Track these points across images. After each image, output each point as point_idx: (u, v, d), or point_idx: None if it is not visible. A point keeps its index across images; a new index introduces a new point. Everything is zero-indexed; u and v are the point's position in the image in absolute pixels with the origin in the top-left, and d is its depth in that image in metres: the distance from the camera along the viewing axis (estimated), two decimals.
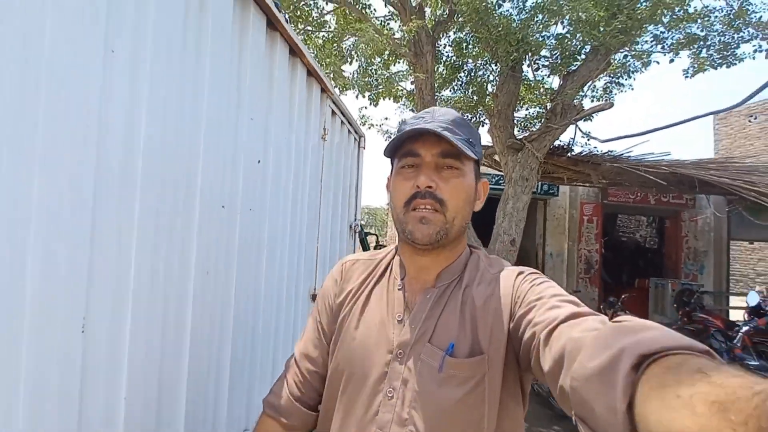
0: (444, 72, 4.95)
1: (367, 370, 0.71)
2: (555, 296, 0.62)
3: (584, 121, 4.77)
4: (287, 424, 0.79)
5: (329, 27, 4.24)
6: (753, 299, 4.00)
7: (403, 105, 5.41)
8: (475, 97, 4.95)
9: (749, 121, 12.55)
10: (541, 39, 3.88)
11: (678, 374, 0.34)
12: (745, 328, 3.84)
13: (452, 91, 5.18)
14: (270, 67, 1.40)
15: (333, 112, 2.10)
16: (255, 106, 1.29)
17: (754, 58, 4.60)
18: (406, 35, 3.51)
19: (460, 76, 4.98)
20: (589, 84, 4.36)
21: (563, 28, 4.05)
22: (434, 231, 0.70)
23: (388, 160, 0.81)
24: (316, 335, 0.83)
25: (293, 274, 1.64)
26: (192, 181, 0.99)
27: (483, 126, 5.36)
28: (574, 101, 4.05)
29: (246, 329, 1.28)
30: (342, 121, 2.31)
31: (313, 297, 1.86)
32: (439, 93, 5.06)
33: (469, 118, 5.25)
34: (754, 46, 4.27)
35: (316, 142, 1.86)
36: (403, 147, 0.74)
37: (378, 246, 3.64)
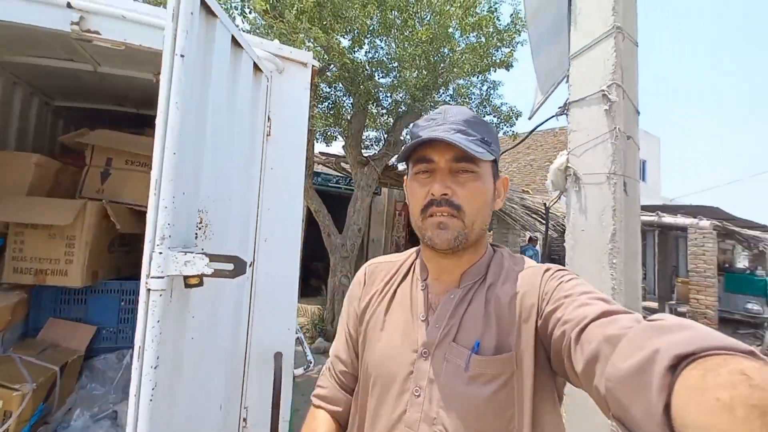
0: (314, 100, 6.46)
1: (393, 370, 0.70)
2: (585, 293, 0.59)
3: None
4: (336, 411, 0.81)
5: None
6: None
7: None
8: (331, 119, 6.65)
9: None
10: (380, 93, 5.92)
11: (718, 376, 0.32)
12: None
13: (320, 112, 6.72)
14: None
15: None
16: None
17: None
18: None
19: (327, 103, 6.59)
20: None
21: (394, 88, 6.18)
22: (453, 236, 0.68)
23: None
24: (344, 338, 0.85)
25: None
26: None
27: (336, 140, 7.13)
28: (401, 137, 6.26)
29: None
30: None
31: None
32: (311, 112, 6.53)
33: (324, 131, 6.91)
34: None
35: None
36: (416, 152, 0.72)
37: None
